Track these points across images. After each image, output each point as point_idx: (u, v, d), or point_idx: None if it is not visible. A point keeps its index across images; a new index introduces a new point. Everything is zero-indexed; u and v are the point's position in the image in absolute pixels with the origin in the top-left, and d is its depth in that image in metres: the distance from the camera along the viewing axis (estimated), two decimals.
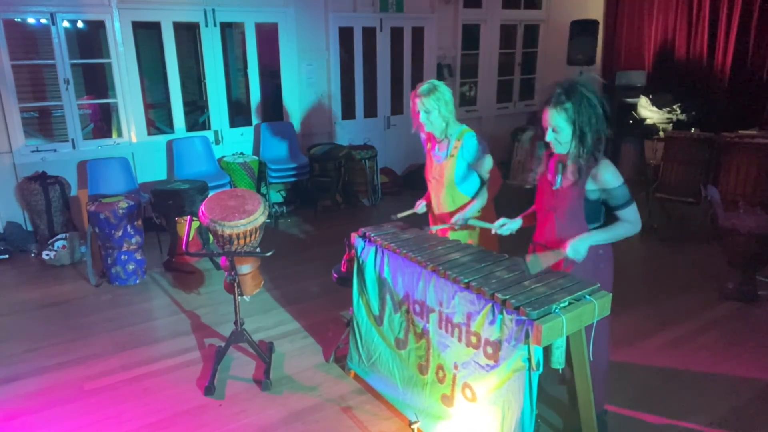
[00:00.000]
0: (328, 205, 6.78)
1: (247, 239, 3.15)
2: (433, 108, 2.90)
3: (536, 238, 2.66)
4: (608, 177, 2.34)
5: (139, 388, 3.21)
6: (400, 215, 3.17)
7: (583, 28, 7.42)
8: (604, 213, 2.47)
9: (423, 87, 2.93)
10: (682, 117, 6.91)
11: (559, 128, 2.33)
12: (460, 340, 2.39)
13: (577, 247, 2.36)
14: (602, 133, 2.33)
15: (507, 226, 2.71)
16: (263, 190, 6.47)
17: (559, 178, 2.46)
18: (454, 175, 3.01)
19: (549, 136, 2.39)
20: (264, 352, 3.40)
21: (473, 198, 3.04)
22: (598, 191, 2.37)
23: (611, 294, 2.23)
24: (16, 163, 5.51)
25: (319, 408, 3.00)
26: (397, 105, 7.81)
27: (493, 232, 2.75)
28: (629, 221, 2.41)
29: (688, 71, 7.46)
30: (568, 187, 2.42)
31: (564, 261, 2.42)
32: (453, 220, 2.97)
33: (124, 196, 4.78)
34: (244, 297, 3.38)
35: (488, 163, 3.01)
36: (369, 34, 7.28)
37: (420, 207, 3.23)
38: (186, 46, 7.66)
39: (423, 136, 3.15)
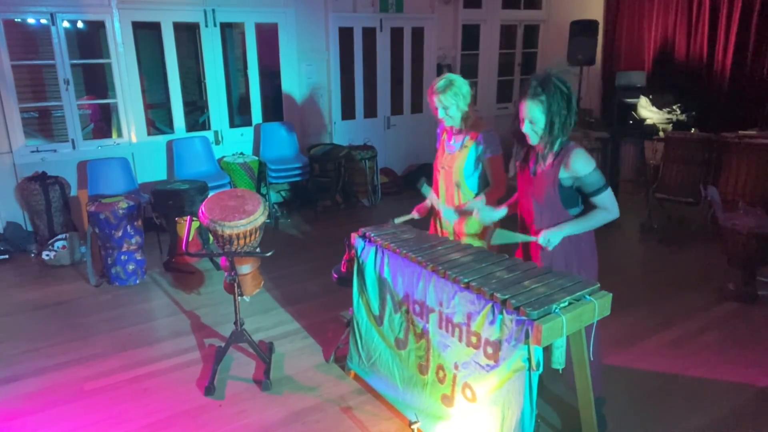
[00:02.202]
0: (328, 206, 6.78)
1: (247, 239, 3.15)
2: (451, 104, 2.90)
3: (520, 225, 2.73)
4: (579, 165, 2.41)
5: (139, 388, 3.21)
6: (398, 221, 3.19)
7: (583, 28, 7.42)
8: (581, 199, 2.54)
9: (439, 84, 2.91)
10: (682, 117, 6.91)
11: (535, 119, 2.43)
12: (460, 340, 2.39)
13: (549, 237, 2.47)
14: (570, 122, 2.42)
15: (488, 214, 2.76)
16: (263, 190, 6.47)
17: (534, 165, 2.55)
18: (464, 167, 3.01)
19: (526, 128, 2.47)
20: (264, 352, 3.40)
21: (477, 194, 3.03)
22: (570, 179, 2.45)
23: (611, 294, 2.23)
24: (16, 163, 5.51)
25: (319, 408, 3.00)
26: (397, 105, 7.81)
27: (475, 216, 2.79)
28: (605, 207, 2.46)
29: (688, 71, 7.46)
30: (543, 174, 2.50)
31: (542, 251, 2.55)
32: (468, 206, 2.93)
33: (124, 197, 4.78)
34: (244, 297, 3.38)
35: (496, 156, 2.98)
36: (369, 34, 7.28)
37: (416, 214, 3.23)
38: (186, 46, 7.66)
39: (439, 129, 3.18)
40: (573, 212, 2.53)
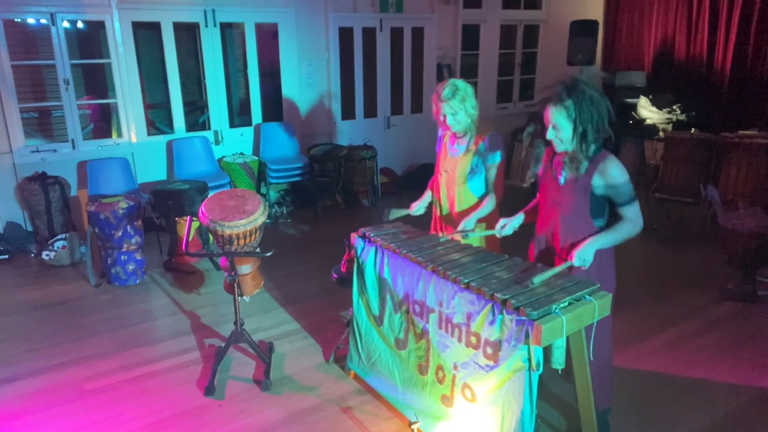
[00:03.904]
0: (328, 205, 6.78)
1: (247, 239, 3.15)
2: (460, 109, 2.89)
3: (538, 231, 2.68)
4: (615, 172, 2.35)
5: (139, 388, 3.21)
6: (393, 216, 3.14)
7: (583, 28, 7.42)
8: (608, 209, 2.47)
9: (446, 91, 2.89)
10: (682, 117, 6.91)
11: (559, 126, 2.35)
12: (459, 340, 2.39)
13: (583, 255, 2.37)
14: (604, 130, 2.34)
15: (508, 225, 2.72)
16: (263, 190, 6.47)
17: (564, 173, 2.46)
18: (467, 171, 2.99)
19: (550, 134, 2.40)
20: (264, 352, 3.40)
21: (480, 200, 3.01)
22: (604, 187, 2.38)
23: (611, 294, 2.23)
24: (16, 163, 5.51)
25: (319, 408, 3.00)
26: (397, 105, 7.81)
27: (498, 236, 2.73)
28: (631, 220, 2.41)
29: (688, 71, 7.46)
30: (572, 182, 2.42)
31: (570, 269, 2.43)
32: (459, 228, 2.92)
33: (124, 197, 4.78)
34: (244, 297, 3.38)
35: (498, 163, 2.97)
36: (369, 34, 7.28)
37: (415, 209, 3.21)
38: (186, 47, 7.65)
39: (440, 131, 3.15)
40: (597, 223, 2.46)
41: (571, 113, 2.30)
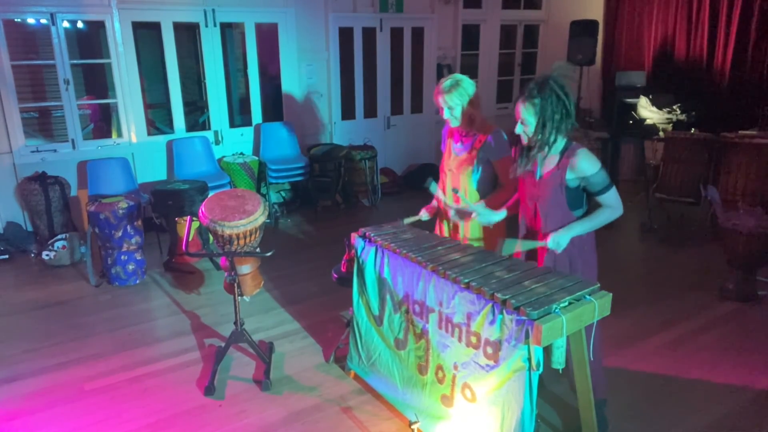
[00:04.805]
0: (328, 205, 6.78)
1: (247, 239, 3.15)
2: (456, 104, 2.89)
3: (521, 225, 2.75)
4: (584, 165, 2.43)
5: (139, 388, 3.21)
6: (407, 221, 3.17)
7: (583, 28, 7.42)
8: (586, 198, 2.56)
9: (445, 83, 2.90)
10: (682, 117, 6.91)
11: (527, 122, 2.46)
12: (460, 340, 2.39)
13: (558, 240, 2.49)
14: (566, 126, 2.43)
15: (488, 216, 2.78)
16: (263, 190, 6.47)
17: (539, 168, 2.54)
18: (472, 170, 2.99)
19: (518, 129, 2.51)
20: (264, 352, 3.40)
21: (482, 197, 3.01)
22: (577, 179, 2.47)
23: (611, 294, 2.23)
24: (16, 163, 5.51)
25: (319, 408, 3.00)
26: (397, 105, 7.81)
27: (473, 216, 2.82)
28: (610, 205, 2.50)
29: (688, 71, 7.46)
30: (548, 177, 2.51)
31: (547, 253, 2.56)
32: (454, 208, 2.98)
33: (124, 197, 4.78)
34: (244, 297, 3.38)
35: (505, 158, 2.95)
36: (369, 34, 7.28)
37: (424, 215, 3.21)
38: (186, 47, 7.65)
39: (445, 129, 3.16)
40: (577, 214, 2.54)
41: (537, 110, 2.41)
